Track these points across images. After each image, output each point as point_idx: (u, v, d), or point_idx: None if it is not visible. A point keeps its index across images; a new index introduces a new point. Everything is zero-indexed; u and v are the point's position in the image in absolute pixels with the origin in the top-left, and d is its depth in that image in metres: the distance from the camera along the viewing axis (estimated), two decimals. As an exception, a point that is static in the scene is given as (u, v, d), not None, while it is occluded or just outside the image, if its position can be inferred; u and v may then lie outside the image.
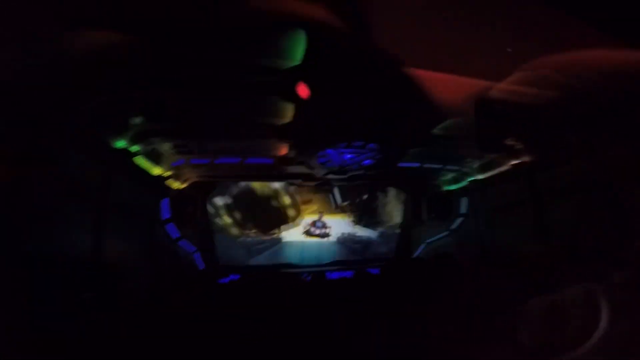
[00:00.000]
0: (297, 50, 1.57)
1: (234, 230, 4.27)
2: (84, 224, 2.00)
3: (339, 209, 4.48)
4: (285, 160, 2.97)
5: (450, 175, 3.76)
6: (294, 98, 2.08)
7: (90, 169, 2.06)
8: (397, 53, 1.72)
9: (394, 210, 4.67)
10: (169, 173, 2.97)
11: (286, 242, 4.60)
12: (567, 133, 2.33)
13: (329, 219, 4.73)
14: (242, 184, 4.01)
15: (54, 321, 1.37)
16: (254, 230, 4.31)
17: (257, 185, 4.19)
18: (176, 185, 3.22)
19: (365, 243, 4.85)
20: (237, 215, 4.27)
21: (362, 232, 4.89)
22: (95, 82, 1.66)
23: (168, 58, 1.62)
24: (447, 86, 1.98)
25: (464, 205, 3.83)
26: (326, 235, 4.67)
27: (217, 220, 4.09)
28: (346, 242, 4.79)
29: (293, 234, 4.62)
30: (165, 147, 2.63)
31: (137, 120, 2.10)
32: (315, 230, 4.66)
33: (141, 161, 2.55)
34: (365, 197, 4.55)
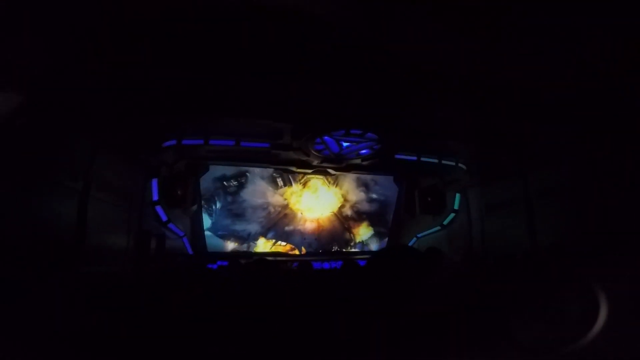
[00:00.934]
0: None
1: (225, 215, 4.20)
2: (71, 204, 1.92)
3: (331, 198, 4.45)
4: (281, 145, 2.89)
5: (445, 171, 3.75)
6: (295, 79, 2.01)
7: (78, 147, 1.96)
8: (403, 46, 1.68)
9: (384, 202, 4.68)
10: (159, 153, 2.84)
11: (277, 230, 4.57)
12: (559, 133, 2.33)
13: (320, 207, 4.72)
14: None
15: (55, 322, 1.32)
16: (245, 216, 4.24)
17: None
18: (166, 166, 3.09)
19: (354, 235, 4.85)
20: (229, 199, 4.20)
21: (351, 223, 4.88)
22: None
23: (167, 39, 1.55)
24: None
25: (457, 201, 3.84)
26: (317, 222, 4.65)
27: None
28: (335, 232, 4.78)
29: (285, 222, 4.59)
30: (158, 124, 2.51)
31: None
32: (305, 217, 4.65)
33: (130, 139, 2.42)
34: (357, 187, 4.54)
